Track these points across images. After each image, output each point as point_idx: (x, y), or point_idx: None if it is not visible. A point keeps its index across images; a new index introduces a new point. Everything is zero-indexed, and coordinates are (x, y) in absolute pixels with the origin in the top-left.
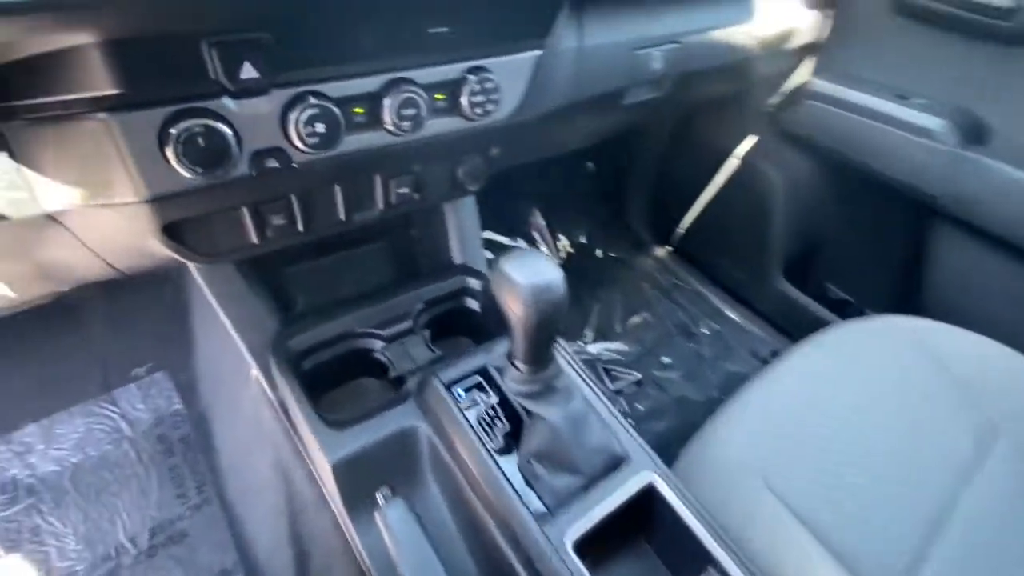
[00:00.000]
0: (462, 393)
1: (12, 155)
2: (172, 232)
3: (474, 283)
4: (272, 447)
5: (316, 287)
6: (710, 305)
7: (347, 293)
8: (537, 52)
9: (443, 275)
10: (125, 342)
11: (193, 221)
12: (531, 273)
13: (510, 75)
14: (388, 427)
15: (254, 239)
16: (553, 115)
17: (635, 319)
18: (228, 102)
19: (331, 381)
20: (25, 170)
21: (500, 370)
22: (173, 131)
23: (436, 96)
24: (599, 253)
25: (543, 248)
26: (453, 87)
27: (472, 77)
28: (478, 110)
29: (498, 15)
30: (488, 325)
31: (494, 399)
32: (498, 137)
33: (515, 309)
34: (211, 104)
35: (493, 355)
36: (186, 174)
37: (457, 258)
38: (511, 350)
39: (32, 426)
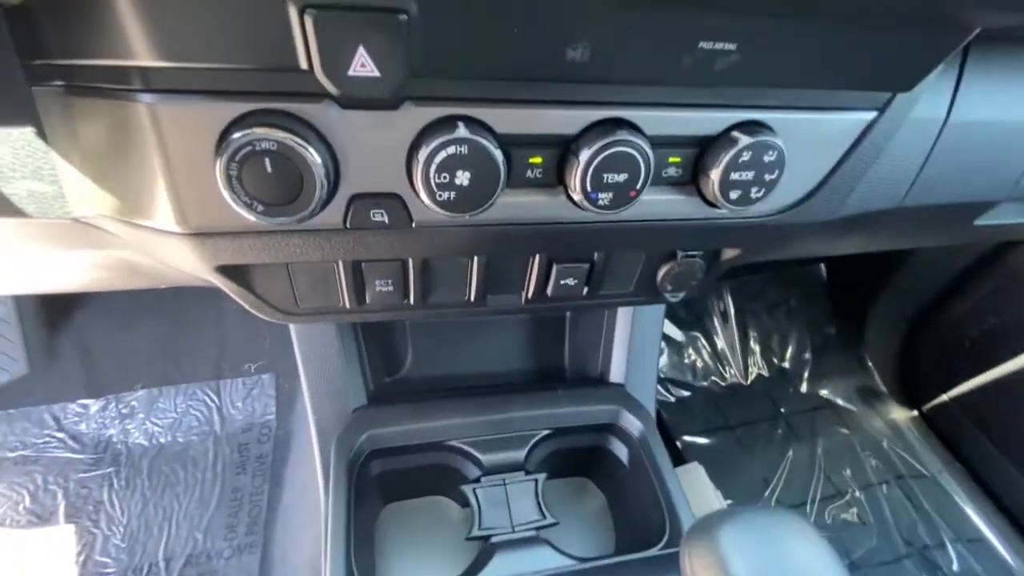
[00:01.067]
0: None
1: (42, 134)
2: (234, 275)
3: (632, 424)
4: (315, 537)
5: (431, 349)
6: (969, 525)
7: (465, 369)
8: (868, 116)
9: (591, 395)
10: (248, 332)
11: (263, 267)
12: None
13: (809, 145)
14: None
15: (347, 303)
16: (853, 220)
17: (841, 508)
18: (330, 110)
19: (403, 490)
20: (56, 156)
21: None
22: (235, 136)
23: (670, 159)
24: (804, 387)
25: (720, 342)
26: (702, 148)
27: (743, 138)
28: (735, 194)
29: (848, 40)
30: (631, 486)
31: None
32: (747, 237)
33: None
34: (303, 108)
35: None
36: (238, 208)
37: (616, 373)
38: None
39: (142, 391)
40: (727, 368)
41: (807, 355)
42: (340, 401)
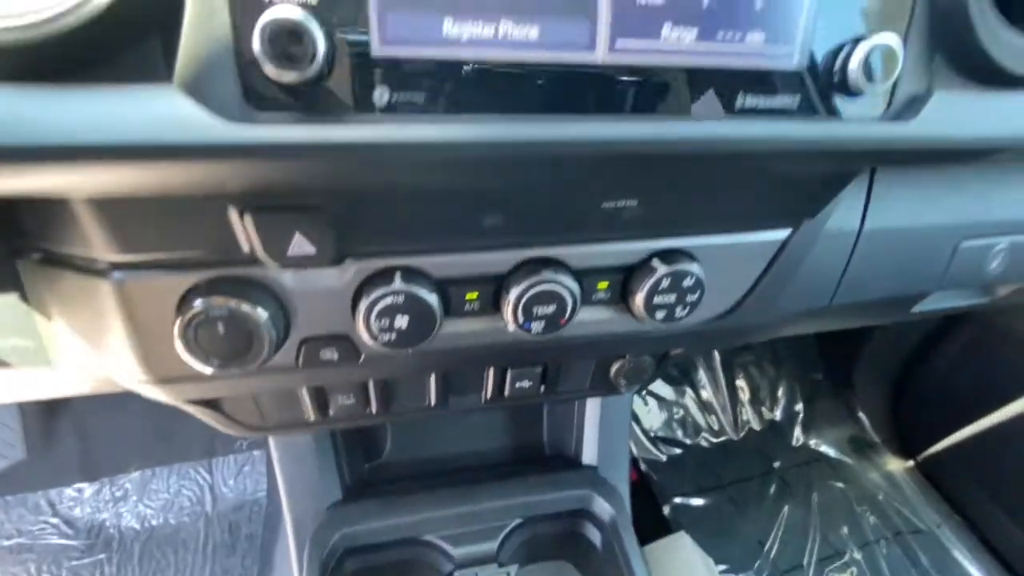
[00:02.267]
0: None
1: (24, 297)
2: (204, 402)
3: (604, 508)
4: None
5: (410, 433)
6: None
7: (446, 450)
8: (783, 233)
9: (563, 479)
10: None
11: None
12: None
13: (727, 265)
14: None
15: (312, 417)
16: (787, 317)
17: (839, 569)
18: (277, 271)
19: None
20: (37, 316)
21: None
22: (196, 305)
23: (598, 284)
24: (797, 440)
25: (708, 395)
26: (625, 275)
27: (661, 267)
28: (660, 314)
29: (742, 193)
30: (606, 572)
31: None
32: (684, 341)
33: None
34: (252, 272)
35: None
36: (195, 365)
37: (588, 455)
38: None
39: (136, 473)
40: (718, 422)
41: (798, 406)
42: (315, 498)
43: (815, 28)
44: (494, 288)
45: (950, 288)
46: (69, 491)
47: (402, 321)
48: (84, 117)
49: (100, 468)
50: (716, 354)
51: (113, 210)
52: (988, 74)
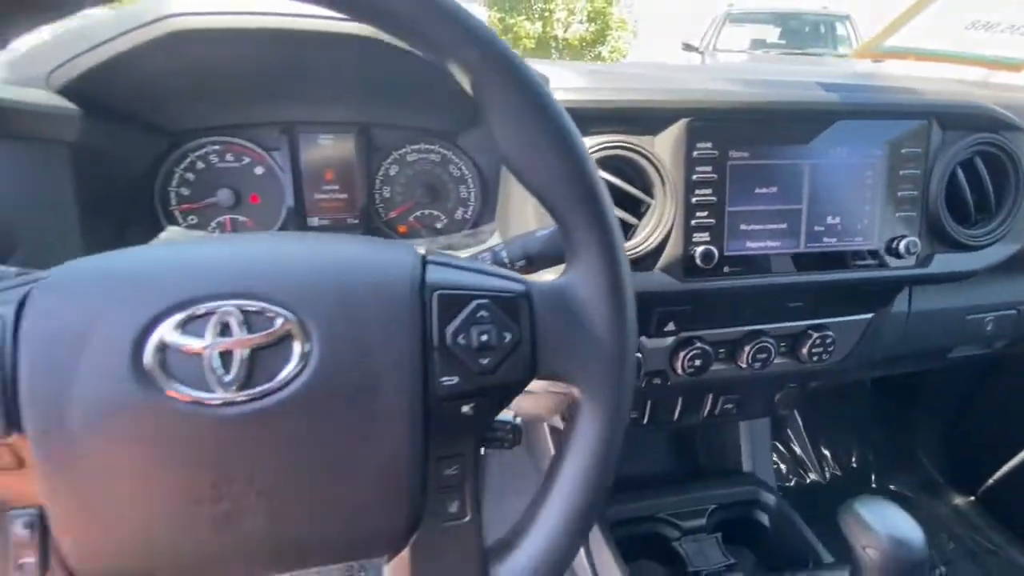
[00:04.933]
0: None
1: None
2: None
3: (767, 497)
4: None
5: None
6: None
7: (627, 472)
8: (869, 315)
9: (733, 480)
10: None
11: None
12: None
13: (845, 332)
14: None
15: None
16: (876, 362)
17: None
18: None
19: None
20: None
21: None
22: None
23: (780, 345)
24: (873, 484)
25: (797, 449)
26: (796, 339)
27: (814, 333)
28: (814, 358)
29: (850, 297)
30: (778, 548)
31: None
32: (822, 375)
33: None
34: None
35: None
36: None
37: (746, 465)
38: None
39: None
40: (808, 473)
41: (870, 456)
42: None
43: (882, 233)
44: (732, 347)
45: (967, 343)
46: None
47: (697, 363)
48: None
49: None
50: (799, 421)
51: None
52: (956, 247)
